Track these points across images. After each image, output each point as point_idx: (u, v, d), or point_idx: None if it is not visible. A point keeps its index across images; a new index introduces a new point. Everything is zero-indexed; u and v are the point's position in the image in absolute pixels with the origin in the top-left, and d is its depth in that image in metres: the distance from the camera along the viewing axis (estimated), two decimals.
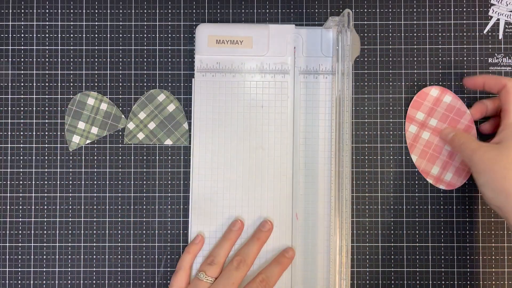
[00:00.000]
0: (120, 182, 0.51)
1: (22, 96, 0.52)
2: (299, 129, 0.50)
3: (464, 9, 0.52)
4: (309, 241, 0.49)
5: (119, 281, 0.51)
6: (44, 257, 0.51)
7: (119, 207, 0.51)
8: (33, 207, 0.51)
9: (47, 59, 0.52)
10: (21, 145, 0.51)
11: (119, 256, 0.51)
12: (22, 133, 0.51)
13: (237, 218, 0.50)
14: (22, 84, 0.52)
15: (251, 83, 0.51)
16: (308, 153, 0.50)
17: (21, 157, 0.51)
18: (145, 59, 0.52)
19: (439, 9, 0.52)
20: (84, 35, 0.52)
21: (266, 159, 0.50)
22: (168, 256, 0.51)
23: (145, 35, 0.52)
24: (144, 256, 0.51)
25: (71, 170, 0.51)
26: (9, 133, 0.51)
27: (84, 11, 0.52)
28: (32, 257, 0.51)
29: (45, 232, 0.51)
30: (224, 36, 0.51)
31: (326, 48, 0.51)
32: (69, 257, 0.51)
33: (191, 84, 0.51)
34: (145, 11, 0.52)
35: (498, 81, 0.48)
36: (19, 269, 0.51)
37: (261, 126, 0.50)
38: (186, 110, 0.51)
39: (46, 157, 0.51)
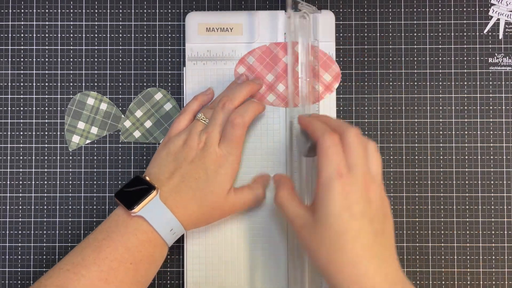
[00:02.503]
0: (120, 182, 0.51)
1: (22, 96, 0.52)
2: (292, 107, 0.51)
3: (464, 9, 0.52)
4: None
5: None
6: (44, 257, 0.51)
7: None
8: (33, 207, 0.51)
9: (46, 59, 0.52)
10: (21, 145, 0.51)
11: None
12: (22, 133, 0.51)
13: (244, 74, 0.50)
14: (22, 84, 0.52)
15: None
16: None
17: (21, 157, 0.51)
18: (144, 59, 0.52)
19: (439, 9, 0.52)
20: (83, 35, 0.52)
21: (259, 140, 0.50)
22: (168, 256, 0.51)
23: (144, 35, 0.52)
24: None
25: (71, 170, 0.51)
26: (9, 133, 0.52)
27: (83, 11, 0.52)
28: (32, 257, 0.51)
29: (45, 232, 0.51)
30: (214, 24, 0.51)
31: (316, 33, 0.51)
32: None
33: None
34: (145, 11, 0.52)
35: (314, 132, 0.42)
36: (19, 269, 0.51)
37: None
38: None
39: (46, 157, 0.51)
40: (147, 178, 0.45)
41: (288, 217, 0.42)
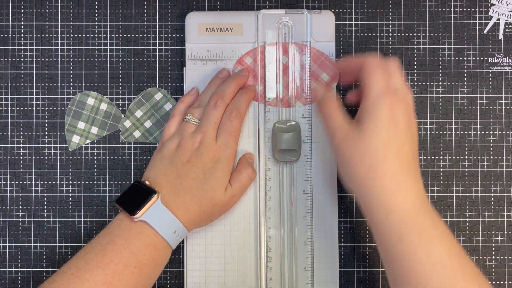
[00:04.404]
0: (120, 182, 0.51)
1: (22, 96, 0.52)
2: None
3: (464, 9, 0.52)
4: (303, 228, 0.50)
5: None
6: (44, 257, 0.51)
7: None
8: (33, 207, 0.51)
9: (47, 59, 0.52)
10: (21, 145, 0.51)
11: None
12: (22, 133, 0.51)
13: (224, 68, 0.50)
14: (22, 84, 0.52)
15: None
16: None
17: (21, 157, 0.51)
18: (145, 59, 0.52)
19: (439, 9, 0.52)
20: (83, 35, 0.52)
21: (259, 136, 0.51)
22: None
23: (144, 35, 0.52)
24: None
25: (71, 170, 0.51)
26: (9, 133, 0.52)
27: (83, 11, 0.52)
28: (32, 257, 0.51)
29: (45, 232, 0.51)
30: (214, 24, 0.51)
31: (316, 33, 0.51)
32: (69, 257, 0.51)
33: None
34: (145, 11, 0.52)
35: (356, 61, 0.45)
36: (19, 269, 0.51)
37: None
38: None
39: (46, 157, 0.51)
40: (147, 182, 0.45)
41: (332, 128, 0.43)
